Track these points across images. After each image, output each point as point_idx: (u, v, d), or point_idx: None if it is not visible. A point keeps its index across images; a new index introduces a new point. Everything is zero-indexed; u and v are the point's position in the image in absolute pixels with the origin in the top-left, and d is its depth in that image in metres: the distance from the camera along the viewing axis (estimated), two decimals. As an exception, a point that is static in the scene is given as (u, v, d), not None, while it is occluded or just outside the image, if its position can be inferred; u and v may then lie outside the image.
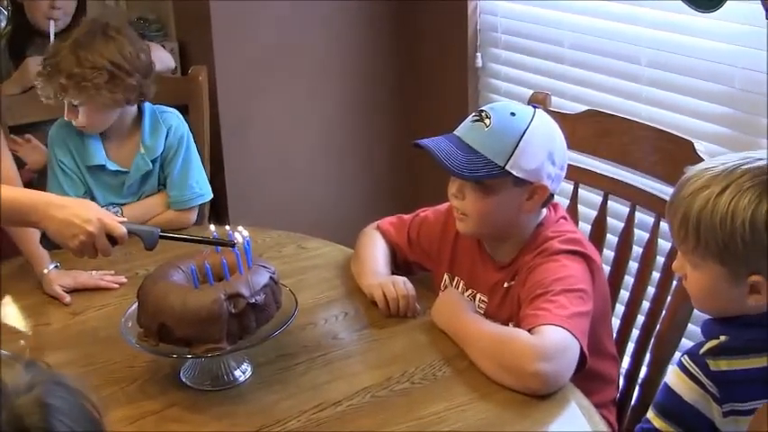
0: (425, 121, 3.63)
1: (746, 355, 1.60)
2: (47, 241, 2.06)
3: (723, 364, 1.59)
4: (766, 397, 1.49)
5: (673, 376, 1.63)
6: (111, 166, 2.64)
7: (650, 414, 1.65)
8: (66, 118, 2.57)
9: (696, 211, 1.60)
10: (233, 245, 1.92)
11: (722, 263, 1.60)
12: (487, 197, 2.02)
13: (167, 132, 2.68)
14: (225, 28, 3.34)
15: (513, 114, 2.02)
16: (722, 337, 1.62)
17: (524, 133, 1.99)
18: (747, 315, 1.63)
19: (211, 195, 2.79)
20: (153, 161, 2.67)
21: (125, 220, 2.08)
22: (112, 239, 2.01)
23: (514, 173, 1.98)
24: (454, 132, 2.07)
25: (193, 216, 2.75)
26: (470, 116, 2.06)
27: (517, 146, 1.98)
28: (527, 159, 1.99)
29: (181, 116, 2.75)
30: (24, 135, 2.95)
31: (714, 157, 1.76)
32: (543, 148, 2.01)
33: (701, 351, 1.61)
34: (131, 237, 2.04)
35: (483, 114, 2.02)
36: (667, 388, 1.64)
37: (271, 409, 1.83)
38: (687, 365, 1.61)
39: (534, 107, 2.08)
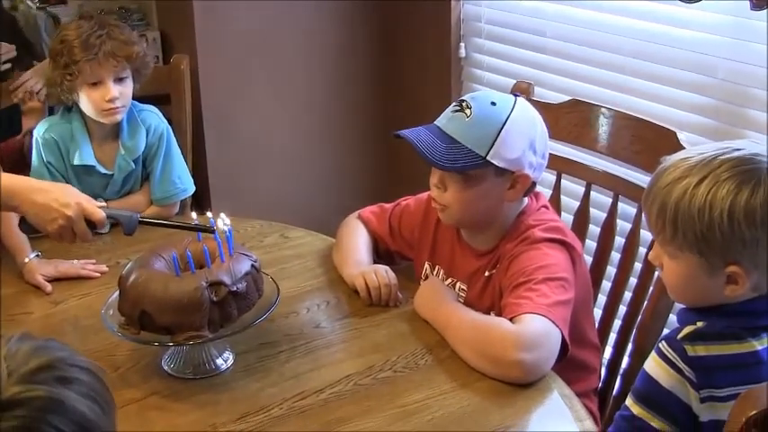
0: (408, 111, 3.63)
1: (724, 341, 1.61)
2: (26, 226, 2.05)
3: (701, 350, 1.59)
4: (744, 383, 1.49)
5: (651, 362, 1.64)
6: (100, 169, 2.62)
7: (629, 401, 1.66)
8: (110, 97, 2.53)
9: (673, 202, 1.60)
10: (213, 231, 1.92)
11: (700, 253, 1.60)
12: (469, 187, 2.02)
13: (147, 132, 2.67)
14: (207, 17, 3.34)
15: (493, 104, 2.02)
16: (699, 323, 1.62)
17: (505, 123, 1.99)
18: (724, 305, 1.63)
19: (194, 189, 2.79)
20: (135, 161, 2.66)
21: (104, 204, 2.08)
22: (91, 224, 2.01)
23: (496, 163, 1.98)
24: (435, 123, 2.06)
25: (176, 208, 2.76)
26: (451, 106, 2.05)
27: (498, 135, 1.98)
28: (508, 149, 1.99)
29: (158, 112, 2.74)
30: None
31: (690, 148, 1.76)
32: (524, 137, 2.01)
33: (679, 336, 1.61)
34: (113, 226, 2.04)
35: (464, 104, 2.02)
36: (645, 374, 1.64)
37: (253, 397, 1.83)
38: (665, 351, 1.61)
39: (515, 96, 2.08)
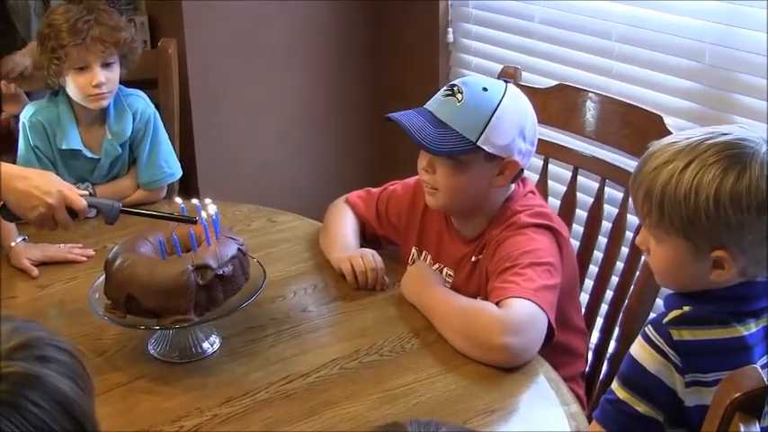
0: (397, 95, 3.63)
1: (710, 326, 1.61)
2: (6, 212, 2.05)
3: (686, 334, 1.59)
4: (729, 368, 1.50)
5: (636, 346, 1.63)
6: (87, 153, 2.61)
7: (614, 384, 1.66)
8: (96, 82, 2.51)
9: (660, 186, 1.60)
10: (194, 221, 1.91)
11: (686, 238, 1.60)
12: (458, 172, 2.01)
13: (134, 117, 2.66)
14: (195, 1, 3.32)
15: (485, 89, 2.01)
16: (685, 308, 1.62)
17: (496, 109, 1.98)
18: (710, 290, 1.64)
19: (181, 173, 2.78)
20: (121, 145, 2.65)
21: (86, 193, 2.08)
22: (73, 212, 2.01)
23: (486, 148, 1.98)
24: (425, 106, 2.06)
25: (163, 192, 2.75)
26: (442, 90, 2.05)
27: (489, 121, 1.97)
28: (499, 135, 1.98)
29: (146, 97, 2.72)
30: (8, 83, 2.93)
31: (678, 132, 1.76)
32: (515, 124, 2.01)
33: (665, 320, 1.61)
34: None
35: (455, 89, 2.01)
36: (631, 358, 1.64)
37: (239, 380, 1.83)
38: (650, 335, 1.61)
39: (506, 82, 2.07)
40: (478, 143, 1.97)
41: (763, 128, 2.32)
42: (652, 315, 2.15)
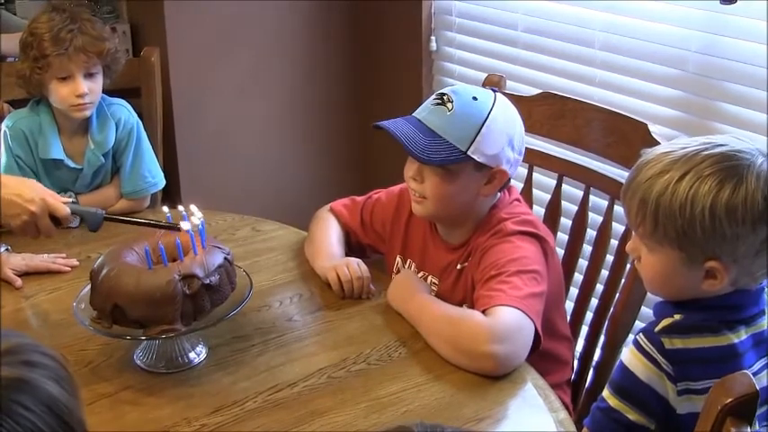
0: (379, 104, 3.63)
1: (701, 334, 1.61)
2: None
3: (678, 343, 1.59)
4: (719, 376, 1.50)
5: (628, 355, 1.63)
6: (69, 163, 2.60)
7: (606, 392, 1.66)
8: (79, 92, 2.49)
9: (655, 197, 1.60)
10: (178, 229, 1.91)
11: (680, 248, 1.60)
12: (448, 181, 2.01)
13: (117, 126, 2.64)
14: (177, 9, 3.31)
15: (475, 99, 2.01)
16: (677, 316, 1.62)
17: (486, 119, 1.99)
18: (701, 298, 1.64)
19: (164, 182, 2.77)
20: (104, 155, 2.64)
21: (69, 200, 2.07)
22: (56, 220, 2.00)
23: (476, 158, 1.98)
24: (414, 114, 2.05)
25: (147, 201, 2.74)
26: (431, 99, 2.05)
27: (479, 131, 1.97)
28: (488, 145, 1.99)
29: (128, 106, 2.71)
30: None
31: (671, 141, 1.75)
32: (504, 134, 2.01)
33: (656, 329, 1.61)
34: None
35: (445, 98, 2.01)
36: (623, 366, 1.63)
37: (226, 390, 1.82)
38: (642, 344, 1.61)
39: (494, 91, 2.07)
40: (469, 152, 1.97)
41: (750, 136, 2.33)
42: (638, 323, 2.16)
